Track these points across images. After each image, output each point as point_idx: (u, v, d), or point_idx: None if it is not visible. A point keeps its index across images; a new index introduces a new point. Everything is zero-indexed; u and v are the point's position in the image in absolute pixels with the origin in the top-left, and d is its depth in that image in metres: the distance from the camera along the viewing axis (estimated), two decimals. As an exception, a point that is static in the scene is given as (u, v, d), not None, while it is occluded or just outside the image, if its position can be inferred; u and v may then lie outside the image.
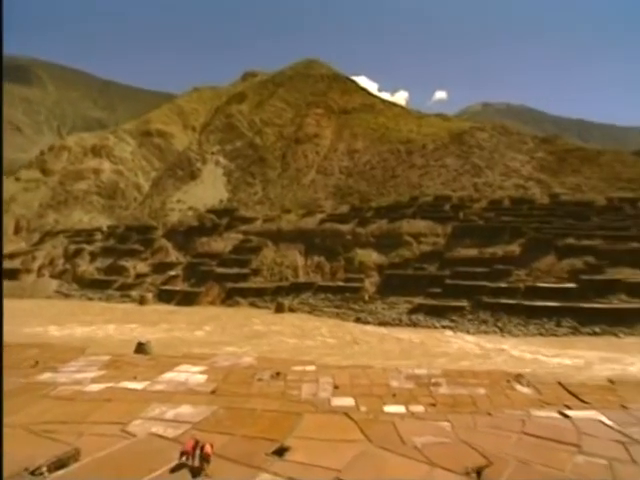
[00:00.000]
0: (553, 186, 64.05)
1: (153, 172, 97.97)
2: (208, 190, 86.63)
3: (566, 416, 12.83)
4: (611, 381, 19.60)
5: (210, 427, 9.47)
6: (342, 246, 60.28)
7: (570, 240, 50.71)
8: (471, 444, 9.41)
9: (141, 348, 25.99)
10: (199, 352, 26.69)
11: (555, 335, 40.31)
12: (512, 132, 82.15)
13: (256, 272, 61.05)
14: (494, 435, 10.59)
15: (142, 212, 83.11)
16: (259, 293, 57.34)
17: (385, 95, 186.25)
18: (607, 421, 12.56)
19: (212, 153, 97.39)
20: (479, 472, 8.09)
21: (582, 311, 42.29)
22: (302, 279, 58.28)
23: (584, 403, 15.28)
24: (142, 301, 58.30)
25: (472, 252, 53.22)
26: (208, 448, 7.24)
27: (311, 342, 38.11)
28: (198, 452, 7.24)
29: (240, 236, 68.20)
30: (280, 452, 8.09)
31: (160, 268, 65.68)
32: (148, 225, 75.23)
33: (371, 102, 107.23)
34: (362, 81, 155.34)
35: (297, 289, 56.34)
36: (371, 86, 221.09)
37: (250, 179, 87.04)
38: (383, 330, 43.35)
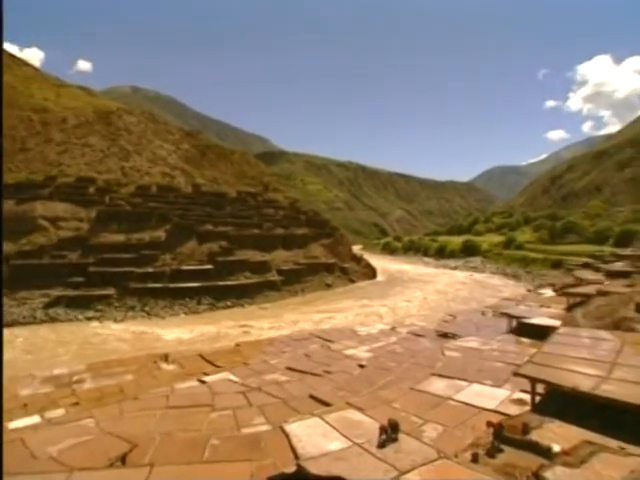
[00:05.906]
0: (195, 177, 70.31)
1: None
2: None
3: (203, 382, 15.33)
4: (237, 344, 24.13)
5: None
6: (-55, 231, 46.68)
7: (208, 226, 57.48)
8: (116, 433, 9.77)
9: None
10: None
11: (197, 312, 45.19)
12: (160, 121, 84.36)
13: None
14: (140, 417, 11.41)
15: None
16: None
17: (12, 49, 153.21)
18: (234, 378, 15.84)
19: None
20: (124, 458, 8.49)
21: (218, 288, 49.15)
22: None
23: (217, 367, 18.43)
24: None
25: (119, 238, 52.14)
26: None
27: None
28: None
29: None
30: None
31: None
32: None
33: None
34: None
35: None
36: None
37: None
38: (13, 331, 36.80)
